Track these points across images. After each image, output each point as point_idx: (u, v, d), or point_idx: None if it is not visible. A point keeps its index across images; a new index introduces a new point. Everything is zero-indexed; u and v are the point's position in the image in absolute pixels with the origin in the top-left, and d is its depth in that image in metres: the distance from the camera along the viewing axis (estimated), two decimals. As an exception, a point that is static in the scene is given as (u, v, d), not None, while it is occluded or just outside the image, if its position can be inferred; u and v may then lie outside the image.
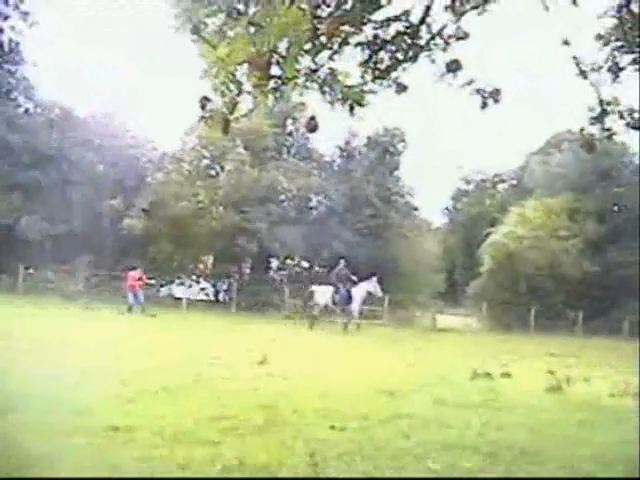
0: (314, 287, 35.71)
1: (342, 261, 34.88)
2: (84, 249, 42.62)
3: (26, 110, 48.18)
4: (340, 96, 7.15)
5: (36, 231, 42.30)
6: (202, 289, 48.00)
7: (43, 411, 9.45)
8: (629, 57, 8.27)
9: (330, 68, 7.19)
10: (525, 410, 12.43)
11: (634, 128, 8.54)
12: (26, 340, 17.66)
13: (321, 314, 33.94)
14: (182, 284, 46.35)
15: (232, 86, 6.89)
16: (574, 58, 8.23)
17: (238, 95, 7.02)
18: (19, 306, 29.58)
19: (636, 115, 8.25)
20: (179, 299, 43.55)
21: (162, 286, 46.79)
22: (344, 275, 34.17)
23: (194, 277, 47.60)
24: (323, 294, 34.17)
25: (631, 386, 15.41)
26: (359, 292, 33.89)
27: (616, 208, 52.10)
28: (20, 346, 16.39)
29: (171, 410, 10.37)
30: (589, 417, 11.93)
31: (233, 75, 6.85)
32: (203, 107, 7.06)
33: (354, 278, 34.18)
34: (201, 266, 48.96)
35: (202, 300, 46.52)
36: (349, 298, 33.55)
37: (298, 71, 7.12)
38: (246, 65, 6.81)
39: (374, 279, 34.65)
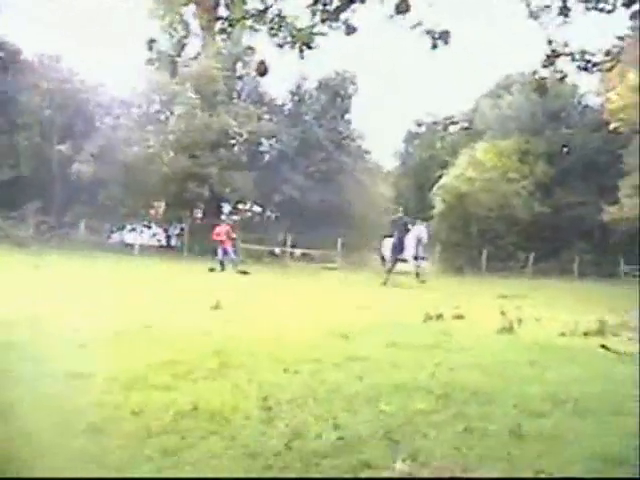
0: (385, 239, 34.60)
1: (400, 209, 35.12)
2: (33, 195, 42.10)
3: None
4: (289, 38, 7.07)
5: (-18, 177, 41.67)
6: (153, 235, 47.82)
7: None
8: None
9: (278, 10, 7.10)
10: (477, 351, 12.54)
11: (585, 70, 8.54)
12: None
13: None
14: (133, 230, 46.12)
15: (179, 27, 6.79)
16: (524, -1, 8.19)
17: (185, 37, 6.91)
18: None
19: (587, 57, 8.25)
20: (131, 245, 43.35)
21: (113, 232, 46.52)
22: (401, 224, 33.21)
23: (145, 223, 47.35)
24: (387, 246, 33.51)
25: (580, 326, 15.65)
26: (409, 241, 32.60)
27: (565, 150, 52.53)
28: None
29: (124, 356, 10.33)
30: (539, 357, 12.07)
31: (180, 16, 6.74)
32: (150, 49, 6.93)
33: (409, 226, 33.20)
34: (152, 211, 48.65)
35: (154, 246, 46.35)
36: (402, 247, 32.36)
37: (246, 12, 7.01)
38: (193, 6, 6.70)
39: (423, 226, 34.14)
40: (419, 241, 32.26)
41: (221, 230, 34.28)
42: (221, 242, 33.64)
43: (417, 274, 31.88)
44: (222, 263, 33.08)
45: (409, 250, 32.15)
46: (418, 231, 32.62)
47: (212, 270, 31.91)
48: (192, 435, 6.93)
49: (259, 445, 6.72)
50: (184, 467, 6.14)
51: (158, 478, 5.93)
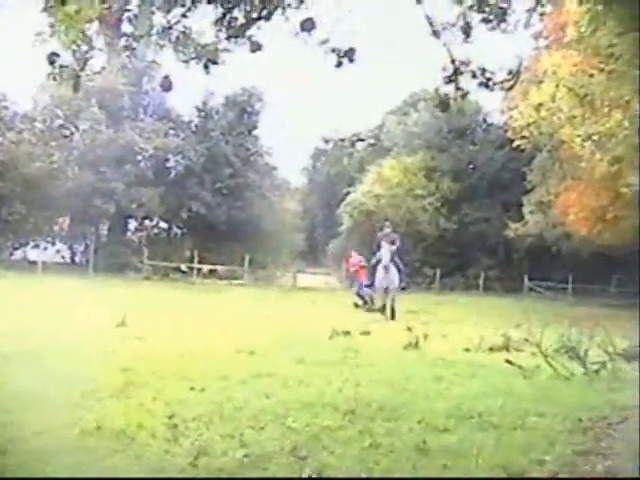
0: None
1: (387, 223, 29.04)
2: None
3: None
4: (194, 55, 7.06)
5: None
6: (57, 251, 46.99)
7: None
8: (480, 16, 8.42)
9: (184, 26, 7.09)
10: (383, 367, 12.67)
11: (486, 87, 8.73)
12: None
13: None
14: (37, 246, 45.24)
15: (82, 44, 6.71)
16: (427, 17, 8.33)
17: (88, 52, 6.85)
18: None
19: (487, 74, 8.44)
20: (34, 262, 42.53)
21: (16, 249, 45.56)
22: (390, 241, 26.13)
23: (49, 239, 46.51)
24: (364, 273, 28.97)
25: (485, 340, 15.93)
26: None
27: (471, 167, 53.38)
28: None
29: (31, 374, 10.14)
30: (444, 372, 12.26)
31: (83, 33, 6.67)
32: (52, 63, 6.84)
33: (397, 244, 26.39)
34: (56, 227, 47.80)
35: (59, 263, 45.52)
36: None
37: (151, 28, 6.98)
38: (96, 22, 6.64)
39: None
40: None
41: (355, 261, 30.83)
42: (355, 273, 30.17)
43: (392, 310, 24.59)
44: (362, 296, 28.63)
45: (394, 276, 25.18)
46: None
47: (357, 306, 28.33)
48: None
49: (165, 463, 6.68)
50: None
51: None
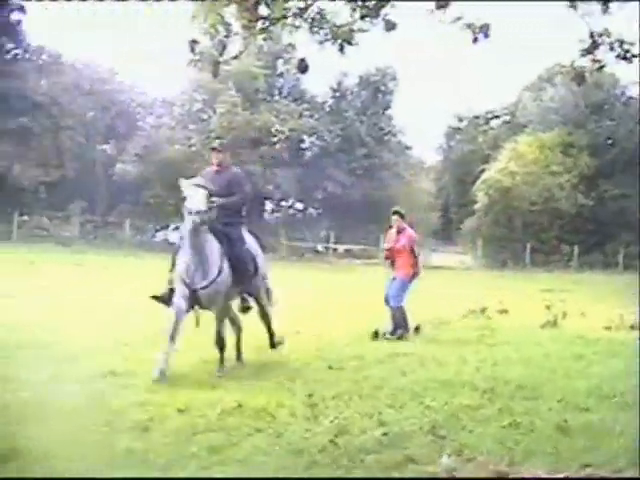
0: None
1: None
2: (77, 195, 42.56)
3: (15, 56, 47.49)
4: (329, 35, 7.09)
5: (29, 178, 42.09)
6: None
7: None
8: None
9: (319, 7, 7.12)
10: (521, 345, 12.51)
11: (624, 59, 8.46)
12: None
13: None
14: (177, 228, 46.36)
15: (221, 28, 6.82)
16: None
17: (227, 37, 6.95)
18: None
19: (626, 46, 8.18)
20: (174, 244, 43.59)
21: (157, 231, 46.82)
22: None
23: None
24: None
25: (625, 319, 15.52)
26: None
27: (609, 142, 51.93)
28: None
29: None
30: (584, 351, 12.02)
31: (221, 17, 6.78)
32: (192, 50, 6.98)
33: None
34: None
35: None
36: None
37: (286, 10, 7.04)
38: (233, 6, 6.73)
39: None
40: None
41: None
42: None
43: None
44: None
45: None
46: None
47: None
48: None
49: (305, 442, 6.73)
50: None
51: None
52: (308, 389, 8.53)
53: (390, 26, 7.23)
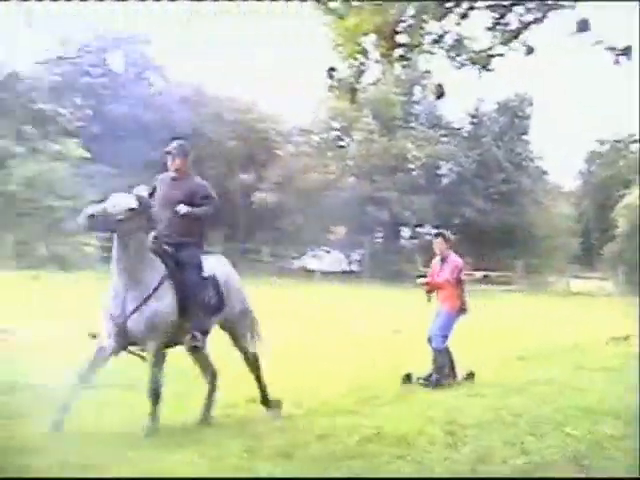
0: None
1: None
2: (218, 223, 43.47)
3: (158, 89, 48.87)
4: (467, 61, 7.11)
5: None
6: (334, 260, 48.36)
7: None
8: None
9: (457, 34, 7.15)
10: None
11: None
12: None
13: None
14: (314, 256, 46.82)
15: (359, 56, 6.94)
16: None
17: (364, 64, 7.07)
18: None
19: None
20: (311, 271, 43.95)
21: (294, 258, 47.35)
22: None
23: (326, 248, 47.99)
24: None
25: None
26: None
27: None
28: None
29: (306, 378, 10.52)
30: None
31: (360, 45, 6.90)
32: (330, 77, 7.11)
33: None
34: (332, 237, 49.24)
35: (333, 272, 46.76)
36: None
37: (423, 37, 7.10)
38: (371, 34, 6.84)
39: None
40: None
41: None
42: None
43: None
44: None
45: None
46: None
47: None
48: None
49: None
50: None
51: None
52: (448, 416, 8.49)
53: (529, 50, 7.21)
